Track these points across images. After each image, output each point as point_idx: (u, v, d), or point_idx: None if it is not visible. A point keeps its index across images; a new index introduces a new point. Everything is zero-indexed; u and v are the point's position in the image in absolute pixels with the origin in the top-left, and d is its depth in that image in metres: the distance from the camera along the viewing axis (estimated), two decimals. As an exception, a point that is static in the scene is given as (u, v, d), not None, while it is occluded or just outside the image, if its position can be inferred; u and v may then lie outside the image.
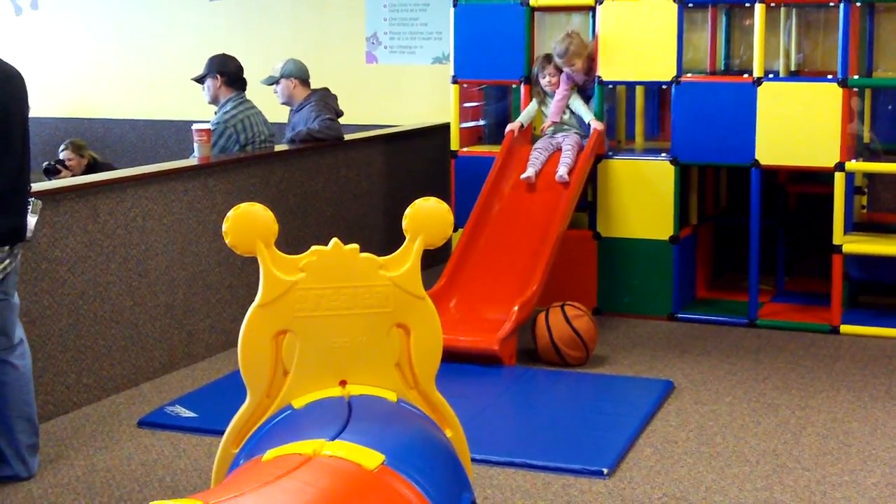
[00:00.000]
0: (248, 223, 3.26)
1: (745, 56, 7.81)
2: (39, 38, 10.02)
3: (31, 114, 9.76)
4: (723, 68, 7.89)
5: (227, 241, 3.28)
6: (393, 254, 3.41)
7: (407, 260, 3.36)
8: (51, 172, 8.00)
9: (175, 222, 5.88)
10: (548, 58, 6.91)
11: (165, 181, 5.83)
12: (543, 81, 6.92)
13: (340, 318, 3.32)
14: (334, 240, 3.32)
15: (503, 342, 5.86)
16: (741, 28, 7.90)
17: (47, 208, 5.09)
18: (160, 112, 9.66)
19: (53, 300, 5.17)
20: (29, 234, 4.41)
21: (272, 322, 3.29)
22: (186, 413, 5.18)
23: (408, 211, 3.40)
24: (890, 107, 7.65)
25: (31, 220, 4.43)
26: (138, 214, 5.64)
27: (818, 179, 7.24)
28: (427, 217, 3.37)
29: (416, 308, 3.37)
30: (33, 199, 4.50)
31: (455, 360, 5.59)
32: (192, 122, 6.62)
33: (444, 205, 3.39)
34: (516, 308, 5.95)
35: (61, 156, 8.20)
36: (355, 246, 3.34)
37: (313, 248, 3.31)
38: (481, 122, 7.85)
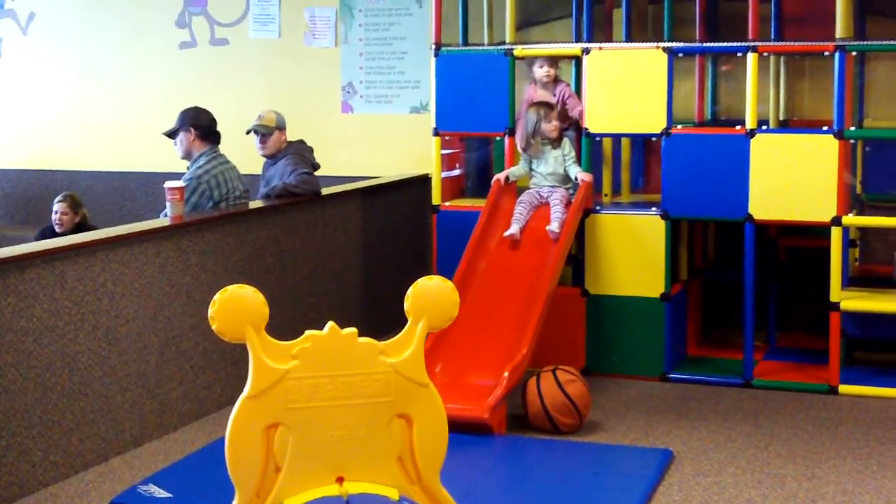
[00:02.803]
0: (237, 307, 2.98)
1: (731, 105, 7.63)
2: (2, 87, 9.71)
3: (-6, 165, 9.57)
4: (709, 117, 7.69)
5: (213, 328, 3.00)
6: (393, 338, 3.13)
7: (409, 344, 3.09)
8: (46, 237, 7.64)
9: (146, 286, 5.59)
10: (547, 105, 6.63)
11: (137, 243, 5.54)
12: (548, 127, 6.62)
13: (337, 409, 3.04)
14: (330, 324, 3.05)
15: (493, 410, 5.58)
16: (726, 76, 7.71)
17: (12, 276, 4.79)
18: (127, 163, 9.35)
19: (18, 373, 4.85)
20: None
21: (263, 414, 3.01)
22: (161, 493, 4.86)
23: (410, 291, 3.13)
24: (880, 157, 7.47)
25: None
26: (108, 279, 5.34)
27: (809, 232, 7.04)
28: (430, 298, 3.10)
29: (420, 397, 3.10)
30: None
31: (443, 429, 5.30)
32: (160, 174, 6.38)
33: (449, 283, 3.12)
34: (507, 374, 5.67)
35: (55, 207, 7.88)
36: (353, 330, 3.07)
37: (307, 332, 3.04)
38: (458, 172, 7.57)
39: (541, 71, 6.74)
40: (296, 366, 3.00)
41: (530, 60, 6.83)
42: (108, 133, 9.45)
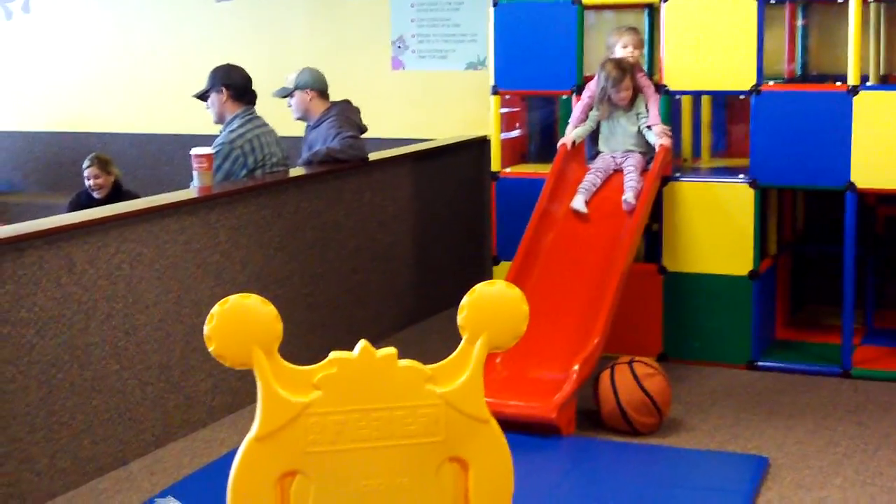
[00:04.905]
0: (240, 323, 2.32)
1: (823, 60, 6.86)
2: (31, 44, 9.09)
3: (23, 127, 8.99)
4: (799, 74, 6.91)
5: (210, 350, 2.34)
6: (444, 360, 2.45)
7: (464, 369, 2.42)
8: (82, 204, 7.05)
9: (169, 267, 4.95)
10: (621, 67, 5.89)
11: (157, 218, 4.90)
12: (618, 96, 5.90)
13: (372, 453, 2.37)
14: (363, 343, 2.37)
15: (562, 408, 4.90)
16: (820, 27, 6.92)
17: (7, 260, 4.16)
18: (162, 125, 8.72)
19: (18, 371, 4.23)
20: None
21: (275, 461, 2.34)
22: (180, 508, 4.25)
23: (465, 300, 2.44)
24: None
25: None
26: (124, 260, 4.71)
27: (912, 201, 6.28)
28: (492, 309, 2.42)
29: (478, 435, 2.43)
30: None
31: (504, 430, 4.62)
32: (199, 137, 5.75)
33: (516, 290, 2.44)
34: (577, 367, 4.99)
35: (86, 173, 7.31)
36: (392, 351, 2.39)
37: (333, 354, 2.37)
38: (517, 133, 6.86)
39: (624, 51, 5.94)
40: (318, 398, 2.33)
41: (612, 38, 6.02)
42: (142, 93, 8.83)
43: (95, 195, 7.28)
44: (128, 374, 4.75)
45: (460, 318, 2.44)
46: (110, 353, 4.66)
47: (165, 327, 4.94)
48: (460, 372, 2.42)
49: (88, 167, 7.33)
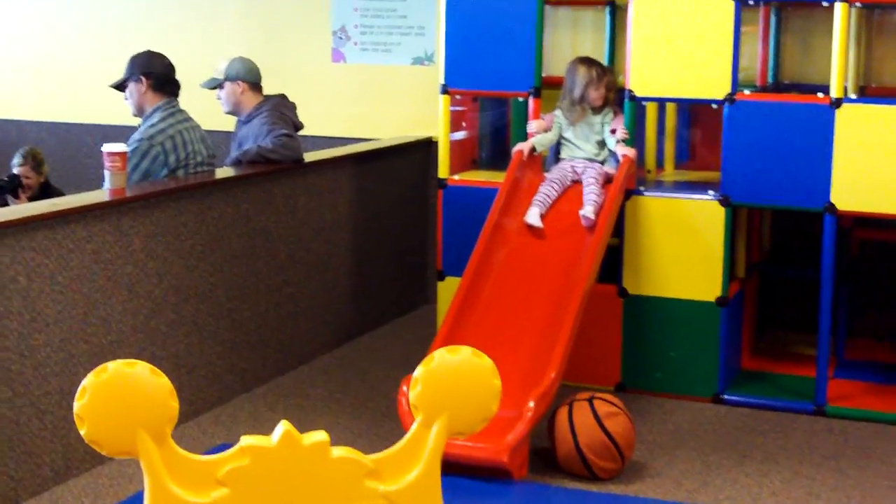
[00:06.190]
0: (122, 400, 1.76)
1: (796, 68, 6.39)
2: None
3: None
4: (771, 82, 6.43)
5: (81, 433, 1.77)
6: (391, 448, 1.90)
7: (417, 460, 1.88)
8: (4, 191, 6.42)
9: (74, 280, 4.36)
10: (600, 67, 5.42)
11: (61, 225, 4.30)
12: (597, 93, 5.42)
13: (295, 570, 1.82)
14: (283, 426, 1.82)
15: (514, 451, 4.37)
16: (794, 33, 6.44)
17: None
18: (83, 115, 8.06)
19: None
20: None
21: (168, 580, 1.79)
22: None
23: (419, 372, 1.90)
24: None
25: None
26: (20, 272, 4.11)
27: (888, 224, 5.82)
28: (454, 384, 1.89)
29: (434, 547, 1.88)
30: None
31: (448, 472, 4.08)
32: (126, 127, 5.18)
33: (485, 360, 1.91)
34: (532, 404, 4.45)
35: (16, 171, 6.60)
36: (322, 437, 1.84)
37: (244, 440, 1.81)
38: (464, 134, 6.31)
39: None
40: (223, 497, 1.77)
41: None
42: (63, 79, 8.18)
43: (22, 196, 6.60)
44: (22, 402, 4.16)
45: (413, 394, 1.90)
46: (2, 379, 4.07)
47: (68, 348, 4.35)
48: (412, 464, 1.88)
49: (21, 165, 6.66)
